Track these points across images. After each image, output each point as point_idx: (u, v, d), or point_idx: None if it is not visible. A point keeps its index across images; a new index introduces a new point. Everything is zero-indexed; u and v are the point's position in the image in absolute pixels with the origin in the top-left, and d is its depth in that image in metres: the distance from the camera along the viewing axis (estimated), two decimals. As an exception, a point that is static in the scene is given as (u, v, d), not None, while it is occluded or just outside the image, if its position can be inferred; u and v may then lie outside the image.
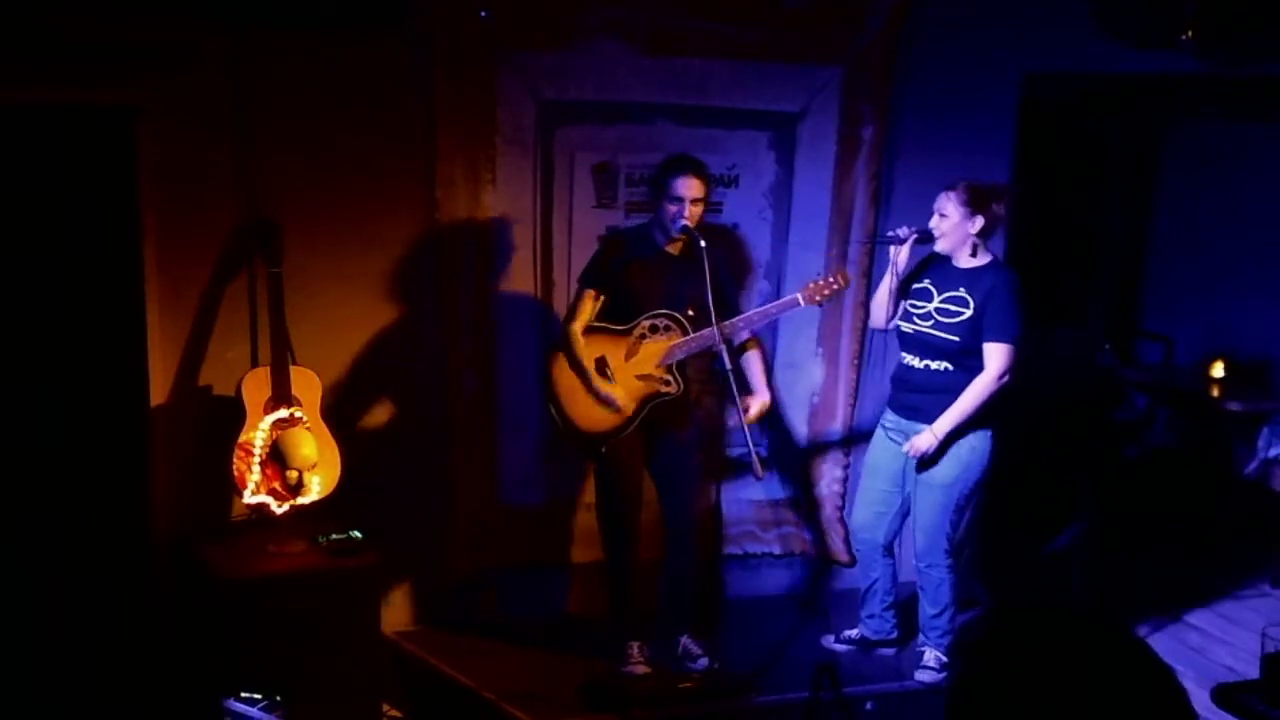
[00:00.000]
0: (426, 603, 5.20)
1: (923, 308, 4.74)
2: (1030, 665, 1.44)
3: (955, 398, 4.65)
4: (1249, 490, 6.21)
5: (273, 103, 4.63)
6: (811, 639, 5.19)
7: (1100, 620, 1.48)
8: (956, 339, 4.66)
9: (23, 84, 4.27)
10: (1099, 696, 1.40)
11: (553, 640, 5.06)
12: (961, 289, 4.67)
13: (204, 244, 4.64)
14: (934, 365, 4.72)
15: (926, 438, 4.67)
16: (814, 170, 5.29)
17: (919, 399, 4.75)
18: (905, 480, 4.87)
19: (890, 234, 4.74)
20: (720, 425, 5.24)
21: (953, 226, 4.64)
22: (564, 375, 4.67)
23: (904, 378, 4.81)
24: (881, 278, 4.84)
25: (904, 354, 4.82)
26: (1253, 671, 3.89)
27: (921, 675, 4.89)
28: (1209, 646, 5.33)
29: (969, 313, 4.64)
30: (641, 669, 4.77)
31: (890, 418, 4.88)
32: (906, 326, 4.77)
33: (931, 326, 4.71)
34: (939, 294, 4.72)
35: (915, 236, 4.67)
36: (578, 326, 4.63)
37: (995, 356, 4.61)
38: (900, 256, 4.70)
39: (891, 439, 4.87)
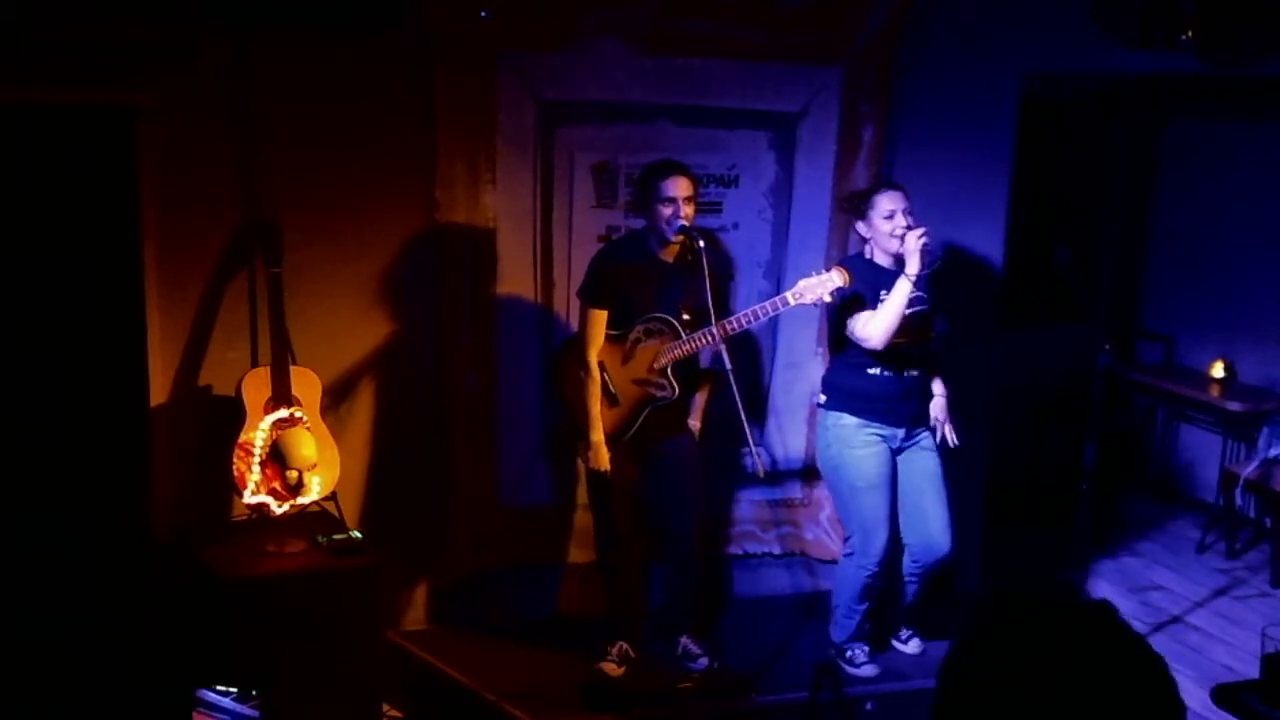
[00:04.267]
0: (426, 603, 5.20)
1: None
2: (1018, 647, 1.46)
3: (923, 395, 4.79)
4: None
5: (273, 103, 4.63)
6: (812, 639, 5.18)
7: (1090, 606, 1.50)
8: (935, 337, 4.77)
9: (23, 84, 4.27)
10: (1087, 680, 1.42)
11: (553, 640, 5.06)
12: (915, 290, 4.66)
13: (204, 244, 4.65)
14: (923, 370, 4.75)
15: (943, 405, 4.79)
16: (814, 170, 5.28)
17: (918, 405, 4.76)
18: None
19: (930, 246, 4.49)
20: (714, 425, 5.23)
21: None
22: (572, 378, 4.70)
23: (903, 389, 4.67)
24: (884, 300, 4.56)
25: (901, 369, 4.64)
26: (1253, 671, 3.89)
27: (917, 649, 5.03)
28: (1209, 646, 5.33)
29: (926, 310, 4.65)
30: (614, 669, 4.77)
31: (883, 430, 4.68)
32: (904, 340, 4.59)
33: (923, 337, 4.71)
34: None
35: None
36: (595, 355, 4.61)
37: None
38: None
39: (890, 447, 4.72)
